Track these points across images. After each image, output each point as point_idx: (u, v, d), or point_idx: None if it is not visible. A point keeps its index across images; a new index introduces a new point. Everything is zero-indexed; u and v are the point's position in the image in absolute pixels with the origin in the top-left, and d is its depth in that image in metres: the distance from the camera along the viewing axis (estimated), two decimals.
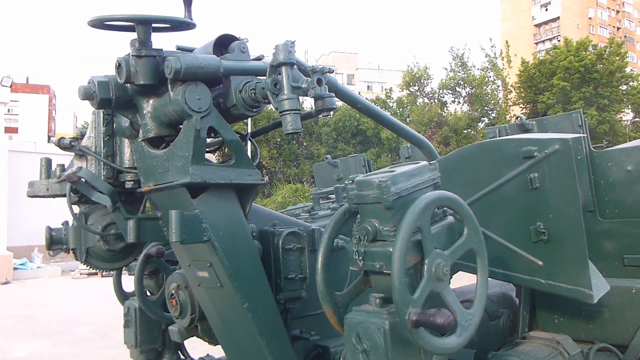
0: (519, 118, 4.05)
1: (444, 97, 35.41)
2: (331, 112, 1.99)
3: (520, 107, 36.31)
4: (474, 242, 2.03)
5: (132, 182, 2.41)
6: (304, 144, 35.70)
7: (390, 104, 35.61)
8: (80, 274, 17.68)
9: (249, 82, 2.12)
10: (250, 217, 2.48)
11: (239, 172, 2.13)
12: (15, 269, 17.86)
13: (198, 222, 2.04)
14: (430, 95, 35.98)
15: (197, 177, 2.01)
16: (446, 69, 34.40)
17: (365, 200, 1.92)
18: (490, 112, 35.88)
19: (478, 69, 33.84)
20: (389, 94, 36.58)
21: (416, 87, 35.41)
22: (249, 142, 2.58)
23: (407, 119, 34.17)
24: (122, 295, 3.67)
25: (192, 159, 2.00)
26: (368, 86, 62.60)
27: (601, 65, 32.44)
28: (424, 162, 2.11)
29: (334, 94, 1.99)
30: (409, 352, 1.84)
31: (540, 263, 2.76)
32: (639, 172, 3.66)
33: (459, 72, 33.50)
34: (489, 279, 3.15)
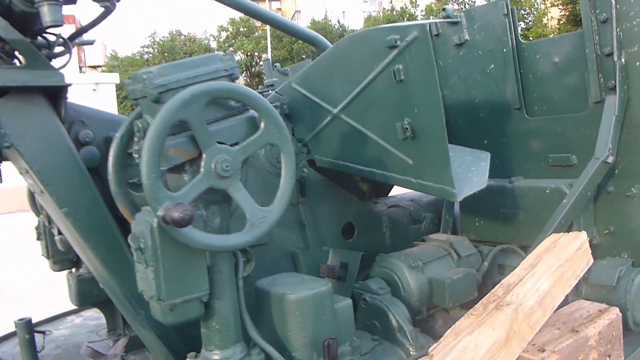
0: (444, 10, 3.74)
1: (475, 2, 33.42)
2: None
3: (560, 9, 33.95)
4: (274, 137, 1.90)
5: None
6: None
7: (417, 13, 33.96)
8: None
9: None
10: (90, 123, 2.42)
11: (33, 74, 2.03)
12: None
13: None
14: (461, 1, 34.03)
15: None
16: None
17: (136, 94, 1.81)
18: (526, 16, 33.80)
19: None
20: (414, 3, 34.74)
21: None
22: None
23: None
24: (37, 210, 3.76)
25: None
26: None
27: None
28: (218, 53, 1.96)
29: None
30: (188, 250, 1.79)
31: (410, 162, 2.63)
32: (565, 64, 3.37)
33: None
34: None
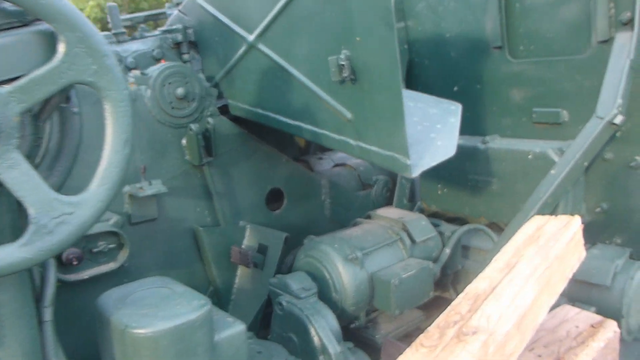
0: None
1: None
2: None
3: None
4: (86, 71, 1.06)
5: None
6: None
7: None
8: None
9: None
10: None
11: None
12: None
13: None
14: None
15: None
16: None
17: None
18: None
19: None
20: None
21: None
22: None
23: None
24: None
25: None
26: None
27: None
28: None
29: None
30: None
31: (348, 115, 1.82)
32: None
33: None
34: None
